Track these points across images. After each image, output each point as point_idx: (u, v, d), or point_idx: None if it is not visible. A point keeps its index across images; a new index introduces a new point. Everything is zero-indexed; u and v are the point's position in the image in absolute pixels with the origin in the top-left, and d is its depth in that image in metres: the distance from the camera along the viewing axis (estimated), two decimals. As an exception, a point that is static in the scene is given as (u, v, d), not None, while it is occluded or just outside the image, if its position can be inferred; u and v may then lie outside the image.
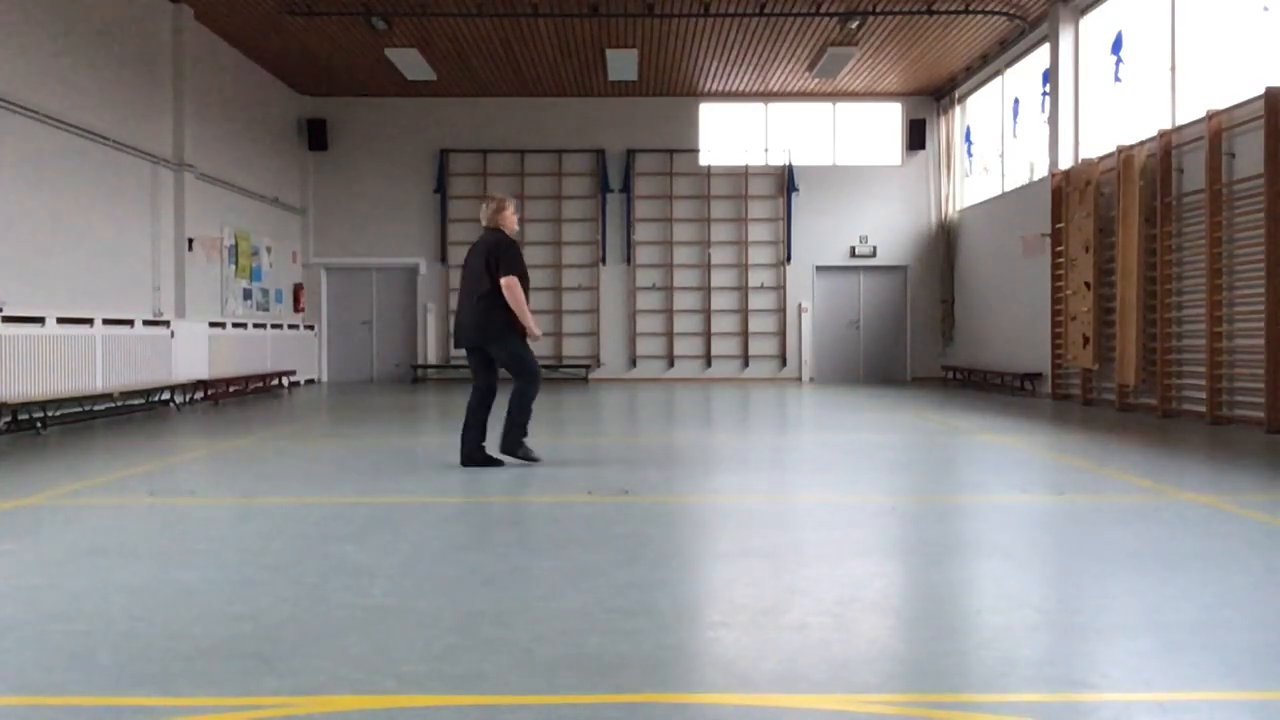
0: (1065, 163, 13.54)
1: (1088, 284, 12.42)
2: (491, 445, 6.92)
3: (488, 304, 6.77)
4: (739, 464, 7.42)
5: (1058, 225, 13.46)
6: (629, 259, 18.65)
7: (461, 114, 18.58)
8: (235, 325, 14.97)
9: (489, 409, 6.92)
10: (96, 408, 10.70)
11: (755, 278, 18.70)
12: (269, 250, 16.64)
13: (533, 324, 6.84)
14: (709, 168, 18.69)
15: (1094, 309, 12.29)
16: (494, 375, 6.97)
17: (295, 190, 18.13)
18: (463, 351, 7.08)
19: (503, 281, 6.72)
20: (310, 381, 18.03)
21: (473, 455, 6.84)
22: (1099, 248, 12.33)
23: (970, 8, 13.86)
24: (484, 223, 7.11)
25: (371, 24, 14.00)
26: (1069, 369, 13.33)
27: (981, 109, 17.33)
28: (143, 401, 11.76)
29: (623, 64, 16.07)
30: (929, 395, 14.62)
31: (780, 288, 18.65)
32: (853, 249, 18.73)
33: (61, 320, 10.45)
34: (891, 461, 7.53)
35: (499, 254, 6.79)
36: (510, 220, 7.08)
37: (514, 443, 6.87)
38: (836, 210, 18.66)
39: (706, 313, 18.65)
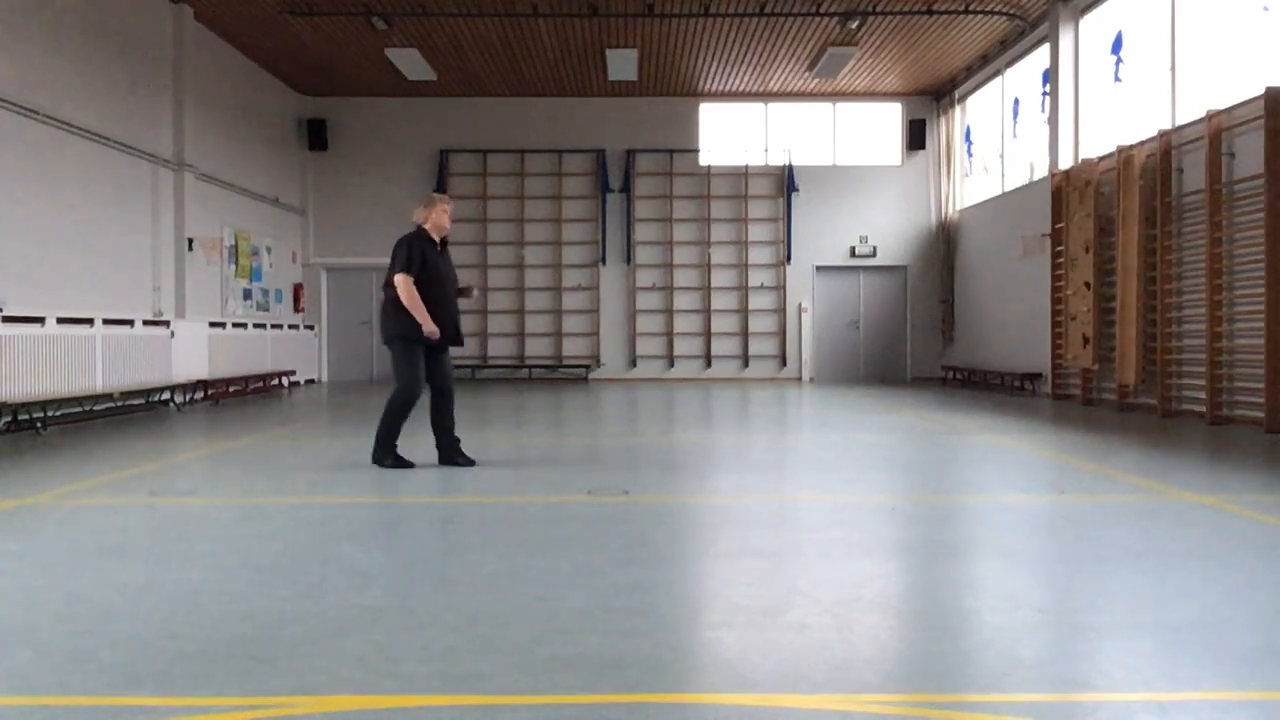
0: (1065, 163, 13.54)
1: (1088, 284, 12.42)
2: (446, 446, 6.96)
3: (392, 303, 6.72)
4: (739, 464, 7.42)
5: (1058, 225, 13.46)
6: (629, 259, 18.65)
7: (461, 114, 18.57)
8: (235, 325, 14.97)
9: (437, 409, 6.92)
10: (96, 408, 10.70)
11: (755, 278, 18.70)
12: (269, 250, 16.64)
13: (425, 318, 6.61)
14: (709, 168, 18.69)
15: (1094, 309, 12.29)
16: (437, 376, 6.89)
17: (295, 190, 18.13)
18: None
19: (395, 279, 6.66)
20: (310, 381, 18.03)
21: (445, 455, 6.91)
22: (1099, 248, 12.33)
23: (970, 8, 13.86)
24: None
25: (371, 24, 14.01)
26: (1069, 369, 13.32)
27: (981, 109, 17.33)
28: (143, 401, 11.76)
29: (623, 64, 16.07)
30: (929, 395, 14.62)
31: (780, 288, 18.64)
32: (853, 249, 18.73)
33: (61, 320, 10.45)
34: (891, 461, 7.53)
35: (395, 250, 6.74)
36: (427, 216, 6.84)
37: (378, 450, 6.77)
38: (836, 210, 18.66)
39: (706, 313, 18.65)
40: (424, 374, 6.78)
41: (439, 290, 6.76)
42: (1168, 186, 11.03)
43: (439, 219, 6.88)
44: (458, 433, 7.02)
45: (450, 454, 6.92)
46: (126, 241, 12.22)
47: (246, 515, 5.17)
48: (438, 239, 6.91)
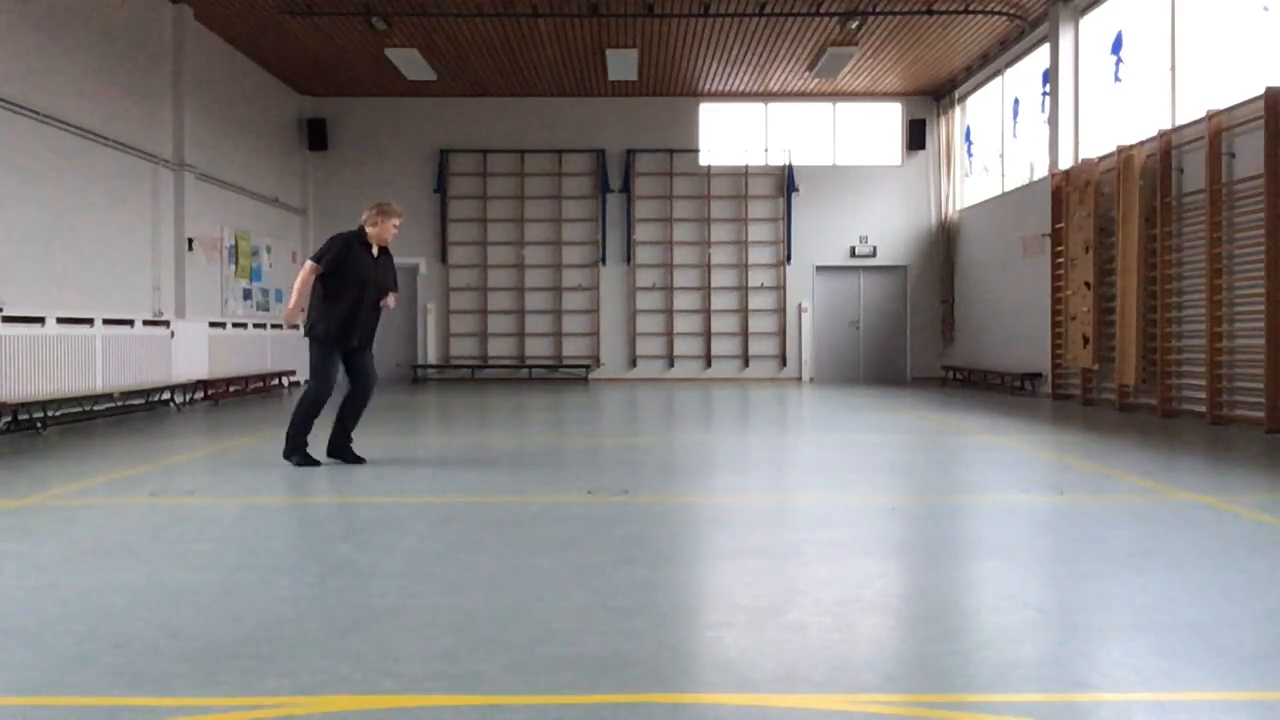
0: (1065, 163, 13.54)
1: (1088, 284, 12.42)
2: (353, 445, 7.05)
3: (318, 301, 6.80)
4: (739, 464, 7.42)
5: (1058, 225, 13.46)
6: (629, 259, 18.66)
7: (461, 114, 18.58)
8: (235, 325, 14.97)
9: (347, 405, 7.03)
10: (96, 408, 10.69)
11: (755, 278, 18.70)
12: (269, 250, 16.64)
13: (294, 306, 6.75)
14: (709, 168, 18.69)
15: (1094, 309, 12.29)
16: (357, 374, 6.99)
17: (295, 190, 18.12)
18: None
19: (306, 263, 6.79)
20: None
21: (332, 448, 6.97)
22: (1099, 247, 12.33)
23: (970, 8, 13.86)
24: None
25: (371, 24, 14.00)
26: (1069, 369, 13.32)
27: (981, 109, 17.33)
28: (143, 401, 11.76)
29: (623, 64, 16.07)
30: (929, 395, 14.62)
31: (780, 288, 18.64)
32: (853, 249, 18.73)
33: (61, 320, 10.45)
34: (891, 462, 7.53)
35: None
36: (374, 223, 6.88)
37: (289, 446, 6.85)
38: (836, 210, 18.66)
39: (706, 313, 18.65)
40: (337, 374, 6.86)
41: (355, 292, 6.78)
42: (1168, 186, 11.03)
43: (383, 231, 6.95)
44: (357, 433, 7.13)
45: (338, 448, 6.97)
46: (126, 241, 12.22)
47: (246, 515, 5.17)
48: (375, 246, 6.96)
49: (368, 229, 6.92)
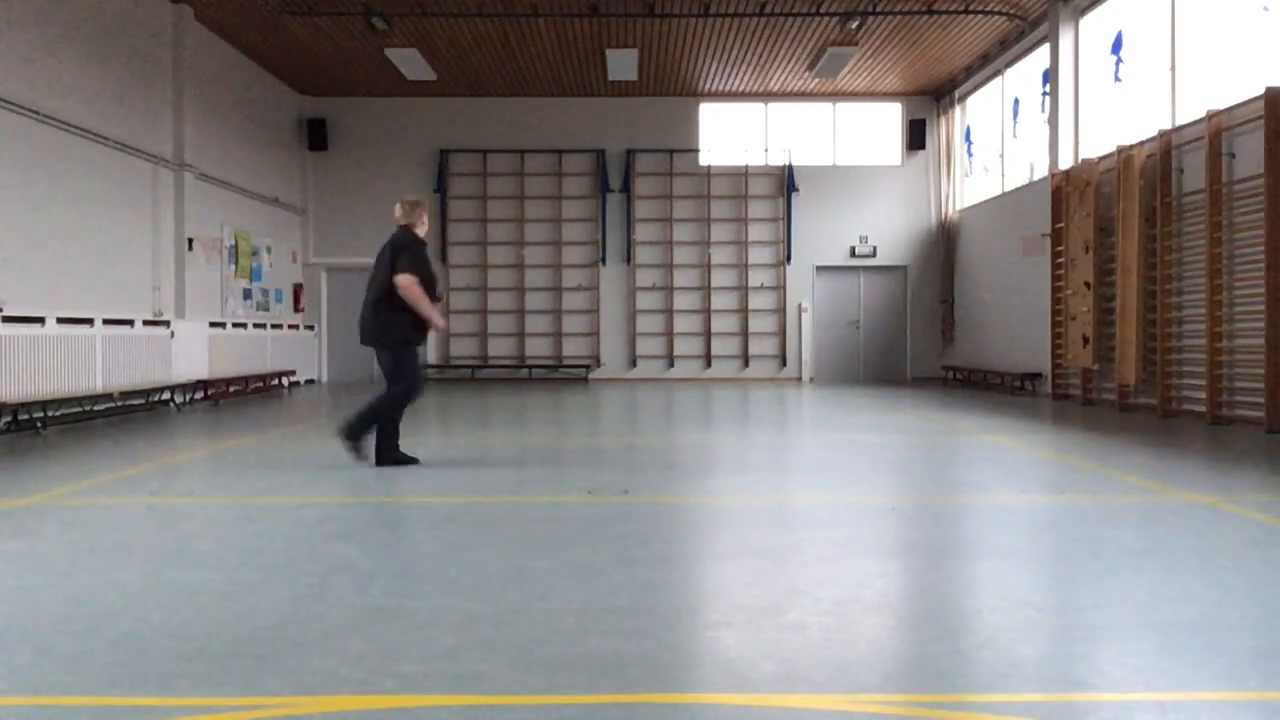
0: (1065, 163, 13.54)
1: (1088, 284, 12.42)
2: (395, 445, 6.99)
3: (389, 305, 6.74)
4: (739, 464, 7.42)
5: (1058, 225, 13.46)
6: (629, 259, 18.65)
7: (461, 114, 18.57)
8: (235, 325, 14.97)
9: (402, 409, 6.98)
10: (96, 408, 10.70)
11: (755, 278, 18.70)
12: (269, 250, 16.64)
13: (435, 315, 6.77)
14: (709, 168, 18.69)
15: (1094, 309, 12.29)
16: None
17: (295, 190, 18.13)
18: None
19: (398, 279, 6.67)
20: (310, 381, 18.03)
21: (385, 456, 6.87)
22: (1099, 248, 12.33)
23: (970, 8, 13.86)
24: (399, 220, 6.95)
25: (371, 24, 14.00)
26: (1069, 369, 13.32)
27: (981, 109, 17.33)
28: (143, 401, 11.76)
29: (623, 64, 16.07)
30: (929, 395, 14.62)
31: (780, 288, 18.64)
32: (853, 249, 18.73)
33: (61, 320, 10.45)
34: (891, 462, 7.53)
35: (400, 252, 6.74)
36: (422, 219, 6.97)
37: (354, 430, 6.76)
38: (836, 210, 18.66)
39: (706, 313, 18.65)
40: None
41: (431, 293, 6.86)
42: (1168, 186, 11.03)
43: (428, 226, 7.07)
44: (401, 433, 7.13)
45: (390, 455, 6.90)
46: (126, 241, 12.22)
47: (246, 515, 5.17)
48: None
49: (418, 229, 6.93)
